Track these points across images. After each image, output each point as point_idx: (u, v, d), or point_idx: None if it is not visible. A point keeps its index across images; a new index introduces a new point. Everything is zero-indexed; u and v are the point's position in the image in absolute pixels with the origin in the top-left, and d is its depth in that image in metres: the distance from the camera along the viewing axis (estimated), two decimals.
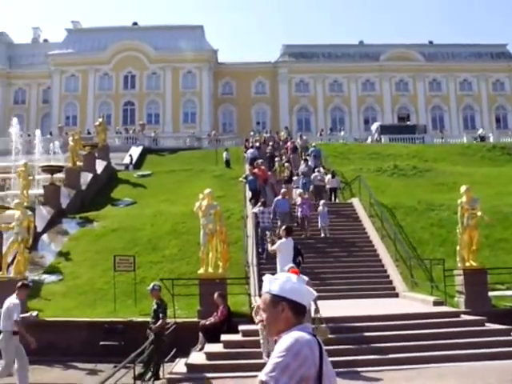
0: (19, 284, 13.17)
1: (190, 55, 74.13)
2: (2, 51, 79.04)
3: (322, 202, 25.08)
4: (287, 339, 3.46)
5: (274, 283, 3.64)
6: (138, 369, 12.09)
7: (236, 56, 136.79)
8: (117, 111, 75.41)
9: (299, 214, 23.98)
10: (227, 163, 40.26)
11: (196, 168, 38.89)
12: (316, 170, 31.06)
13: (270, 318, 3.63)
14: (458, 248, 18.20)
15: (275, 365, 3.38)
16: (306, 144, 41.43)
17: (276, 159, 34.11)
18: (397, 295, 19.35)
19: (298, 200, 24.33)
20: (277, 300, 3.59)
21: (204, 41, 77.39)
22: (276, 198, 24.27)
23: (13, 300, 12.60)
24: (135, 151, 48.45)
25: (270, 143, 41.96)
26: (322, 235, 23.90)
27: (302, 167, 30.88)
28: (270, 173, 31.08)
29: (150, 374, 12.97)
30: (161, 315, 13.57)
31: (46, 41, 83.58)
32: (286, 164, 32.66)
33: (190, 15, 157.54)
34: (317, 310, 12.40)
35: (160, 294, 14.18)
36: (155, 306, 13.89)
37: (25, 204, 21.28)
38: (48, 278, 21.86)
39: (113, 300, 18.52)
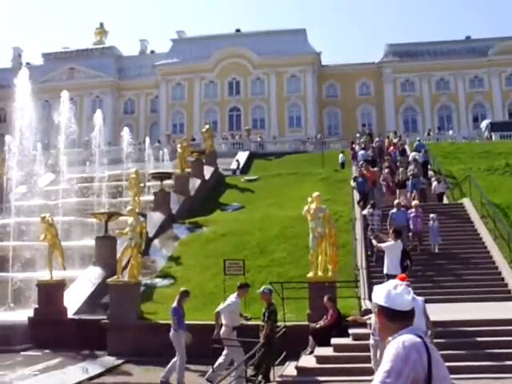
0: (239, 284, 14.05)
1: (293, 59, 74.37)
2: (112, 64, 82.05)
3: (432, 215, 22.91)
4: (393, 344, 3.50)
5: (373, 292, 3.78)
6: (249, 371, 12.20)
7: (339, 58, 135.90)
8: (223, 117, 76.54)
9: (411, 227, 22.40)
10: (342, 165, 40.03)
11: (302, 171, 38.86)
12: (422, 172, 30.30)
13: (377, 325, 3.81)
14: None
15: (388, 371, 3.41)
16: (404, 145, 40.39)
17: (375, 168, 32.56)
18: None
19: (412, 212, 22.66)
20: (375, 307, 3.75)
21: (307, 44, 77.29)
22: (391, 211, 22.48)
23: (233, 299, 13.73)
24: (242, 156, 49.05)
25: (372, 145, 41.32)
26: (435, 251, 22.26)
27: (411, 167, 30.07)
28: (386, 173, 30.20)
29: (260, 376, 13.05)
30: (265, 320, 13.65)
31: (152, 52, 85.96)
32: (401, 169, 31.27)
33: (291, 19, 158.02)
34: None
35: (270, 298, 14.25)
36: (264, 310, 14.03)
37: (137, 210, 21.93)
38: (160, 282, 22.45)
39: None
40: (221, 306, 13.81)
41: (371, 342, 12.09)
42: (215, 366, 13.40)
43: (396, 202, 23.42)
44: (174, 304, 14.74)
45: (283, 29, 78.43)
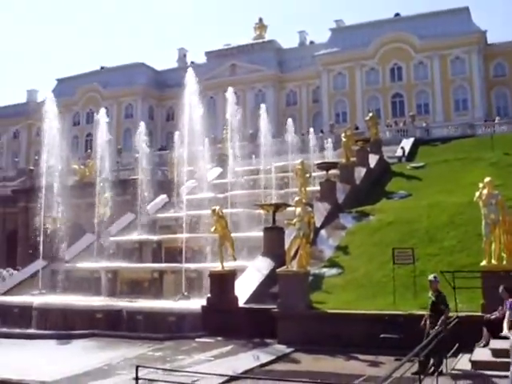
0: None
1: (456, 40, 71.57)
2: (273, 57, 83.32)
3: None
4: None
5: None
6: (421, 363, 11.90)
7: (507, 35, 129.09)
8: (385, 104, 75.29)
9: None
10: None
11: (471, 156, 37.47)
12: None
13: None
14: None
15: None
16: None
17: None
18: None
19: None
20: None
21: (471, 23, 74.08)
22: None
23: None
24: (407, 143, 48.06)
25: None
26: None
27: None
28: None
29: (433, 368, 12.71)
30: (442, 307, 13.33)
31: (311, 43, 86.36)
32: None
33: None
34: None
35: (438, 286, 13.94)
36: (433, 298, 13.78)
37: (304, 201, 22.10)
38: (328, 272, 22.53)
39: (392, 293, 18.52)
40: None
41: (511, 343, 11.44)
42: None
43: None
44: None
45: (444, 9, 75.45)
